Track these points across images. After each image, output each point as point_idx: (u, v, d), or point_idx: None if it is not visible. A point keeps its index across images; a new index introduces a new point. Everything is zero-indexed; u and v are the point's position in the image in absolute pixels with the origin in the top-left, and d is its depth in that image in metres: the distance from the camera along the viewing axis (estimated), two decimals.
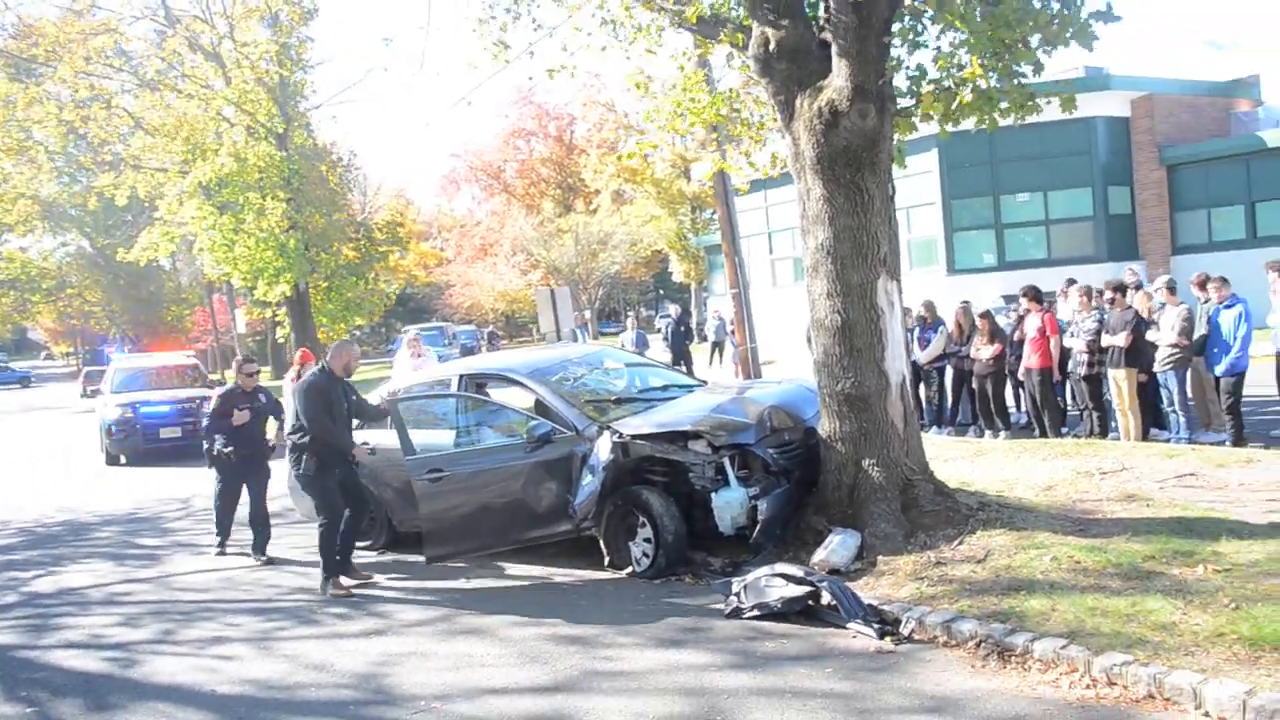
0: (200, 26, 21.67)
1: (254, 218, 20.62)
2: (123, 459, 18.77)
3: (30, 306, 58.72)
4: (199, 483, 15.21)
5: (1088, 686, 5.08)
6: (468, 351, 43.11)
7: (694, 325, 38.51)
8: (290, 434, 8.52)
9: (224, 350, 54.27)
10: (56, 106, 22.96)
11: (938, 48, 7.75)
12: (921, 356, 13.26)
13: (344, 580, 8.37)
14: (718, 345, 25.87)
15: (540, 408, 9.10)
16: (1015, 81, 7.20)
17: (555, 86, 75.07)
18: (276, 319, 23.72)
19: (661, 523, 7.80)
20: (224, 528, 10.11)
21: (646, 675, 5.86)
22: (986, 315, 12.56)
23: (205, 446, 10.07)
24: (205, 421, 10.25)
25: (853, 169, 7.59)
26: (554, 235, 48.97)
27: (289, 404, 10.86)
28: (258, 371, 10.49)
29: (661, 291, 68.98)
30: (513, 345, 50.44)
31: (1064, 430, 12.02)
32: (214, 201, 21.39)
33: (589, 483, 7.93)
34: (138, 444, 18.62)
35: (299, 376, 11.91)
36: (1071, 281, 13.08)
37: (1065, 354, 11.78)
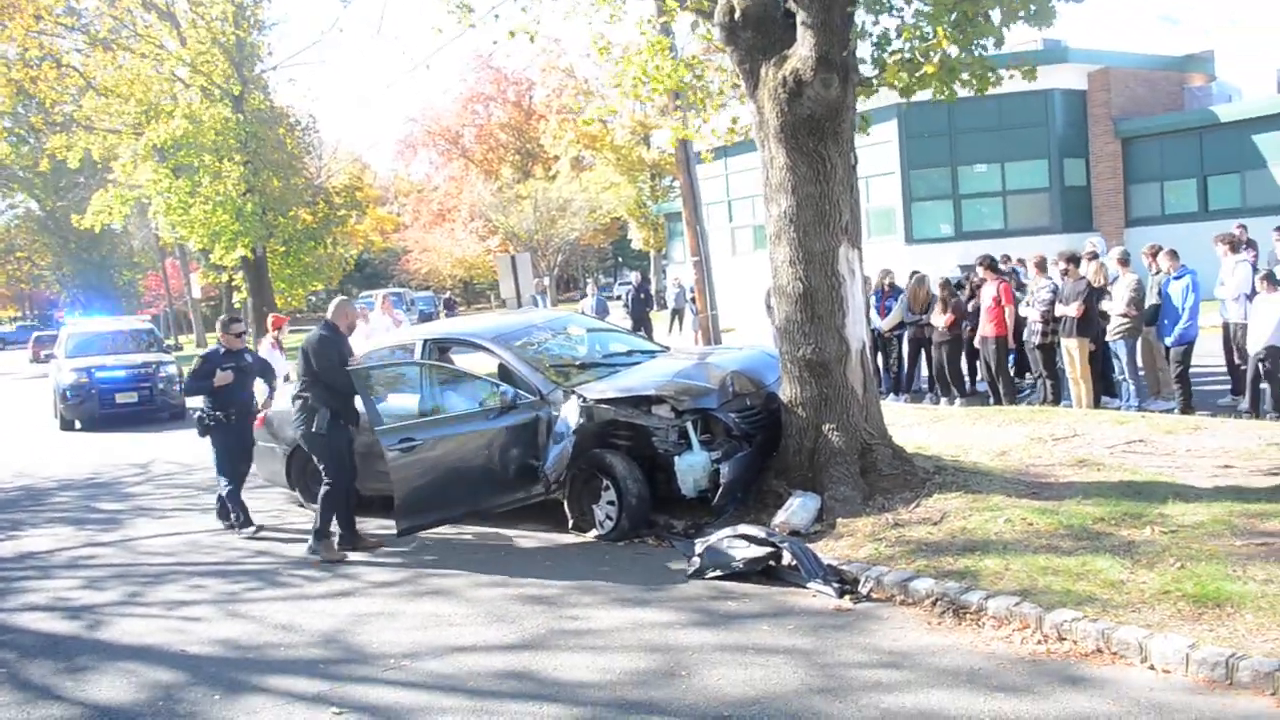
0: None
1: (210, 181, 20.35)
2: (77, 424, 18.55)
3: None
4: (156, 448, 15.17)
5: (1039, 642, 5.27)
6: (425, 318, 42.96)
7: (654, 293, 38.56)
8: (298, 394, 8.32)
9: (178, 315, 53.72)
10: (5, 65, 22.48)
11: (901, 18, 7.85)
12: (882, 324, 13.47)
13: (350, 554, 8.26)
14: (677, 313, 25.99)
15: (504, 373, 9.15)
16: (976, 54, 7.30)
17: (514, 50, 74.36)
18: (233, 284, 23.40)
19: (625, 486, 7.91)
20: (238, 502, 9.33)
21: (612, 633, 5.99)
22: (945, 284, 12.75)
23: (196, 415, 9.37)
24: (183, 383, 9.89)
25: (816, 138, 7.69)
26: (512, 201, 48.67)
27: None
28: (245, 331, 10.13)
29: (620, 259, 68.98)
30: (470, 312, 50.28)
31: (1020, 396, 12.29)
32: (169, 164, 21.06)
33: (559, 446, 8.01)
34: (93, 409, 18.40)
35: (277, 343, 11.88)
36: (1006, 258, 13.39)
37: (1021, 323, 12.02)
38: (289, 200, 21.95)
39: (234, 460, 9.36)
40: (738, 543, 6.89)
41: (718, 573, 6.81)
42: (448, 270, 57.08)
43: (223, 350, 9.34)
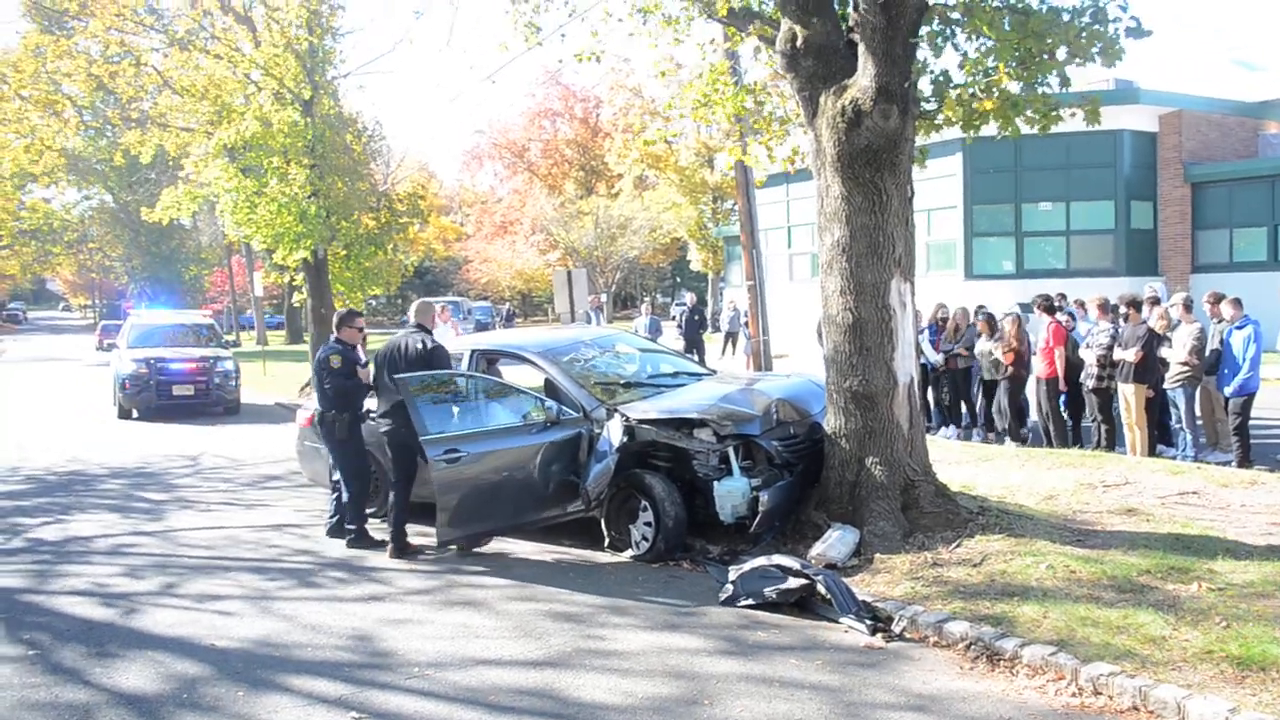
0: None
1: (277, 182, 20.68)
2: (134, 414, 18.95)
3: (51, 258, 59.09)
4: (208, 441, 15.43)
5: (1074, 695, 5.13)
6: (482, 328, 43.30)
7: (709, 315, 38.51)
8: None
9: (240, 312, 54.63)
10: (86, 60, 23.05)
11: (964, 53, 7.76)
12: (936, 358, 13.32)
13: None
14: (731, 336, 25.91)
15: (550, 387, 9.16)
16: (1040, 91, 7.20)
17: (583, 69, 74.98)
18: (294, 284, 23.74)
19: (663, 507, 7.87)
20: (361, 511, 8.87)
21: (637, 656, 5.93)
22: (990, 318, 12.56)
23: (325, 417, 8.77)
24: (327, 385, 8.70)
25: (872, 168, 7.63)
26: (574, 217, 49.02)
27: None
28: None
29: (679, 279, 68.96)
30: (528, 324, 50.59)
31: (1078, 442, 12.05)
32: (238, 164, 21.46)
33: (600, 464, 7.99)
34: (150, 399, 18.80)
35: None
36: (1061, 296, 13.08)
37: (1077, 366, 11.79)
38: (352, 205, 22.20)
39: (361, 462, 9.01)
40: (772, 572, 6.82)
41: (750, 601, 6.74)
42: (507, 281, 57.53)
43: (352, 346, 9.06)
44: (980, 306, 13.41)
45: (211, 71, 21.46)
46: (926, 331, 13.65)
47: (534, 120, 62.49)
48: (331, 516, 9.11)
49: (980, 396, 13.11)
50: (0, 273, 64.48)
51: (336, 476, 9.03)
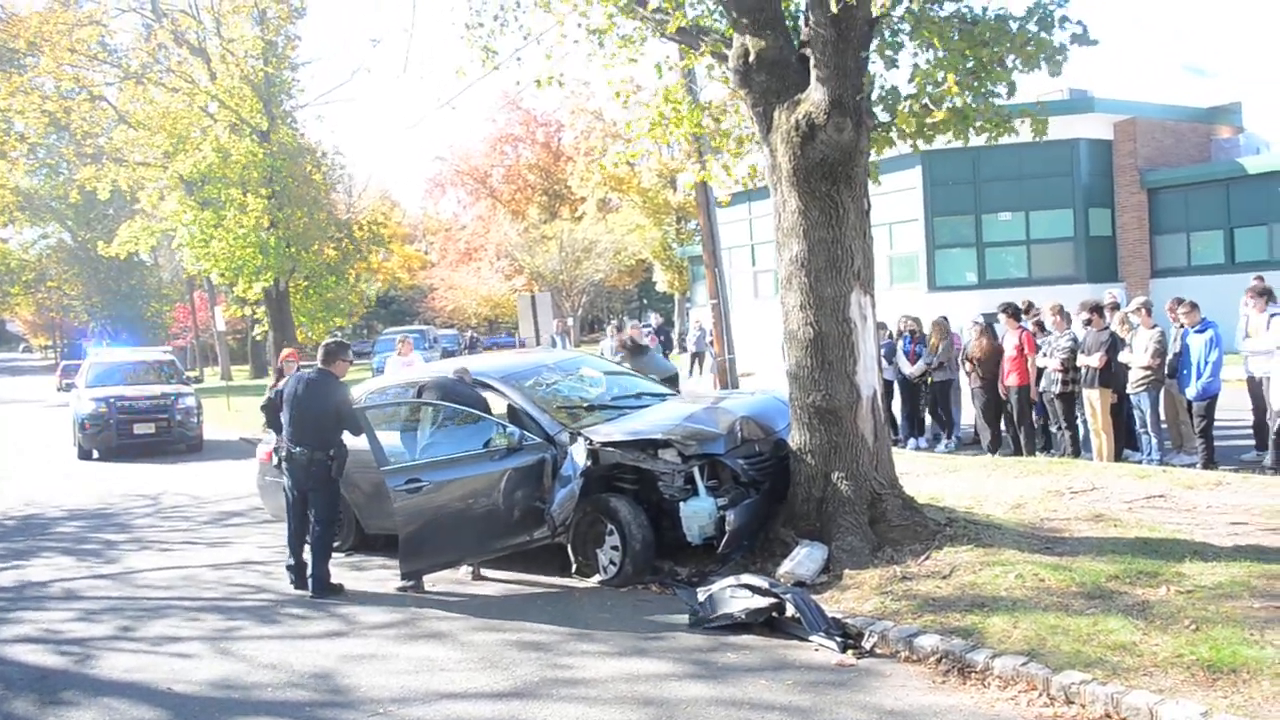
0: (187, 21, 21.56)
1: (234, 214, 20.49)
2: (95, 454, 18.64)
3: (9, 298, 58.28)
4: (169, 479, 15.17)
5: (1046, 704, 5.08)
6: (449, 355, 43.05)
7: (676, 335, 38.47)
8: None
9: (205, 347, 54.08)
10: (40, 97, 22.83)
11: (915, 64, 7.77)
12: (911, 370, 13.33)
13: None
14: (698, 356, 25.85)
15: (513, 413, 9.05)
16: (990, 101, 7.21)
17: (544, 93, 75.06)
18: (255, 317, 23.52)
19: (629, 531, 7.78)
20: (328, 553, 8.37)
21: (605, 683, 5.83)
22: (988, 327, 12.60)
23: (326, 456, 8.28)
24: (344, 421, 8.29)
25: (828, 182, 7.61)
26: (539, 241, 48.94)
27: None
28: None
29: (645, 301, 68.97)
30: (493, 350, 50.39)
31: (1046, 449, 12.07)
32: (196, 197, 21.25)
33: (565, 489, 7.89)
34: (110, 439, 18.51)
35: (280, 376, 11.38)
36: (1029, 304, 13.09)
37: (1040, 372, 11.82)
38: (312, 235, 22.05)
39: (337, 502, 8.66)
40: (740, 592, 6.74)
41: (719, 623, 6.65)
42: (473, 308, 57.29)
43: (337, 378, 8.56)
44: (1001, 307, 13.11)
45: (167, 105, 21.29)
46: (901, 343, 13.68)
47: (495, 146, 62.48)
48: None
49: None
50: None
51: (293, 524, 8.42)
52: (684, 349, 31.07)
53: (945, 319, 13.51)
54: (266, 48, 21.19)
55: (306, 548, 8.29)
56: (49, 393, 39.79)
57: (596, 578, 8.00)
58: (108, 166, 23.60)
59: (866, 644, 6.14)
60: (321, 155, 25.47)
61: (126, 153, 23.53)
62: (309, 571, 8.21)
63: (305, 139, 24.01)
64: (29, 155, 36.29)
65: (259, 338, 27.06)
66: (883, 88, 7.99)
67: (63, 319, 68.36)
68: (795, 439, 8.08)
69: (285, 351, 12.01)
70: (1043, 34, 6.79)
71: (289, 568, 8.35)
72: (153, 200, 22.60)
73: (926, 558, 7.29)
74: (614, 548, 7.91)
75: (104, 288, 49.77)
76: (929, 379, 13.33)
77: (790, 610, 6.49)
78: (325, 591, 8.13)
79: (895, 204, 22.56)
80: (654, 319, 23.71)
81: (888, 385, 13.48)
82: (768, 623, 6.54)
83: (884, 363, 13.35)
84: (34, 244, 52.51)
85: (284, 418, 8.42)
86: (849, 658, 5.99)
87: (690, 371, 26.00)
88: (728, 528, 7.65)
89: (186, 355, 51.50)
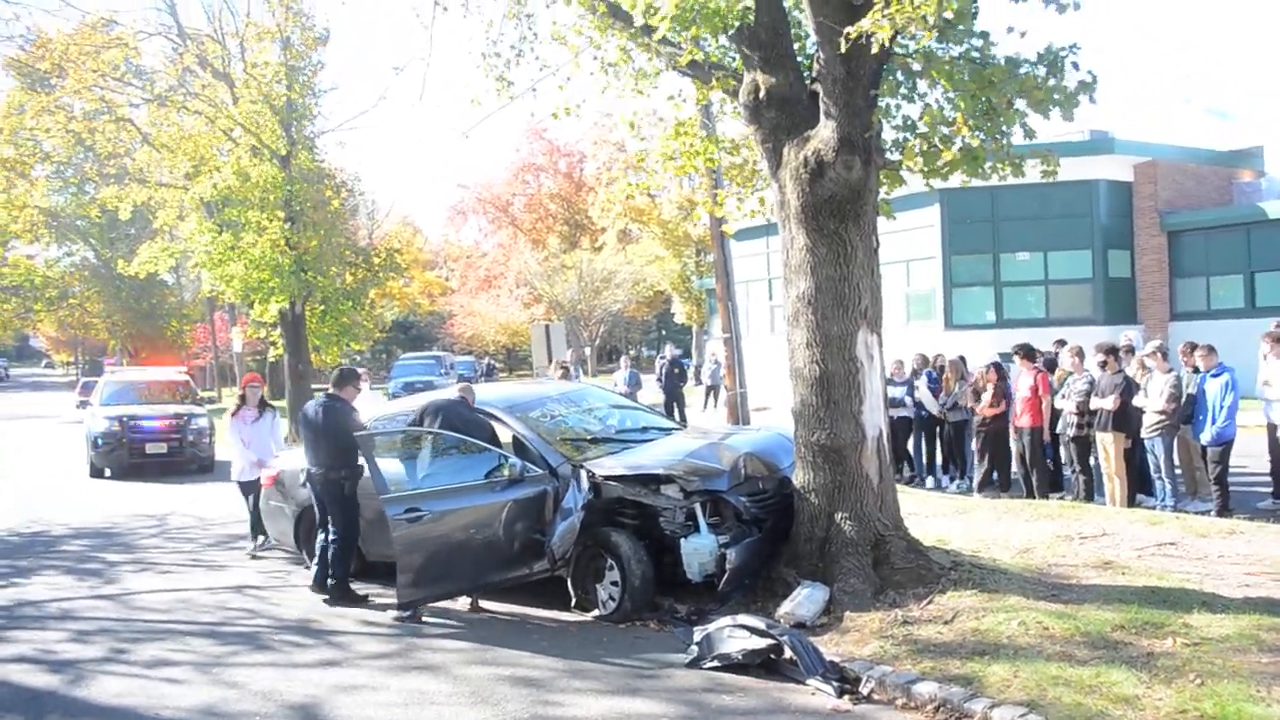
0: (213, 46, 21.79)
1: (252, 236, 20.60)
2: (107, 472, 18.69)
3: (32, 315, 58.70)
4: (179, 500, 15.17)
5: None
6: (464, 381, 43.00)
7: (693, 368, 38.38)
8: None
9: (223, 368, 54.27)
10: (66, 117, 23.09)
11: (925, 103, 7.74)
12: (935, 407, 13.25)
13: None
14: (713, 389, 25.79)
15: (517, 443, 9.00)
16: (1002, 141, 7.15)
17: (566, 124, 75.47)
18: (270, 340, 23.59)
19: (629, 566, 7.70)
20: (349, 564, 8.89)
21: None
22: (997, 369, 12.49)
23: (340, 477, 8.76)
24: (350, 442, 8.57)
25: (837, 219, 7.56)
26: (558, 271, 49.09)
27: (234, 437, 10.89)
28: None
29: (664, 332, 69.01)
30: (511, 378, 50.44)
31: (1059, 493, 11.94)
32: (216, 220, 21.40)
33: (566, 522, 7.82)
34: (123, 457, 18.57)
35: (243, 400, 11.25)
36: (1061, 342, 13.01)
37: (1056, 414, 11.70)
38: (328, 259, 22.13)
39: (357, 514, 8.89)
40: (738, 632, 6.64)
41: (715, 663, 6.55)
42: (491, 336, 57.37)
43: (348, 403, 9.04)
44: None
45: (191, 127, 21.48)
46: (925, 379, 13.60)
47: (518, 175, 62.80)
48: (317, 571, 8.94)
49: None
50: None
51: (324, 536, 8.84)
52: (699, 381, 31.00)
53: (962, 358, 13.45)
54: (290, 73, 21.32)
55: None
56: (67, 409, 40.03)
57: (595, 613, 7.91)
58: (130, 186, 23.80)
59: (864, 689, 6.03)
60: (341, 182, 25.62)
61: (149, 173, 23.74)
62: (327, 578, 8.71)
63: (326, 164, 24.14)
64: (55, 174, 36.83)
65: (274, 359, 27.10)
66: (895, 127, 7.96)
67: (84, 336, 68.86)
68: (799, 477, 7.99)
69: (247, 375, 11.89)
70: (1051, 79, 6.74)
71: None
72: (171, 220, 22.80)
73: (929, 602, 7.17)
74: (613, 583, 7.83)
75: (125, 306, 50.06)
76: (945, 419, 13.25)
77: (788, 652, 6.38)
78: (342, 599, 8.57)
79: (912, 241, 22.52)
80: (668, 350, 23.61)
81: (906, 422, 13.57)
82: (765, 664, 6.44)
83: (907, 400, 13.44)
84: (58, 261, 52.87)
85: (302, 440, 9.05)
86: (845, 703, 5.89)
87: (705, 404, 25.93)
88: (728, 566, 7.56)
89: (205, 375, 51.69)
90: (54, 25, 28.51)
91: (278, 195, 20.53)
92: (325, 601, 8.61)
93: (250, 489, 10.79)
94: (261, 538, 10.72)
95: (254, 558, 10.55)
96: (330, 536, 8.77)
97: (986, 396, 12.28)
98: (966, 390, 12.68)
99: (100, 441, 18.53)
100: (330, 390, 9.12)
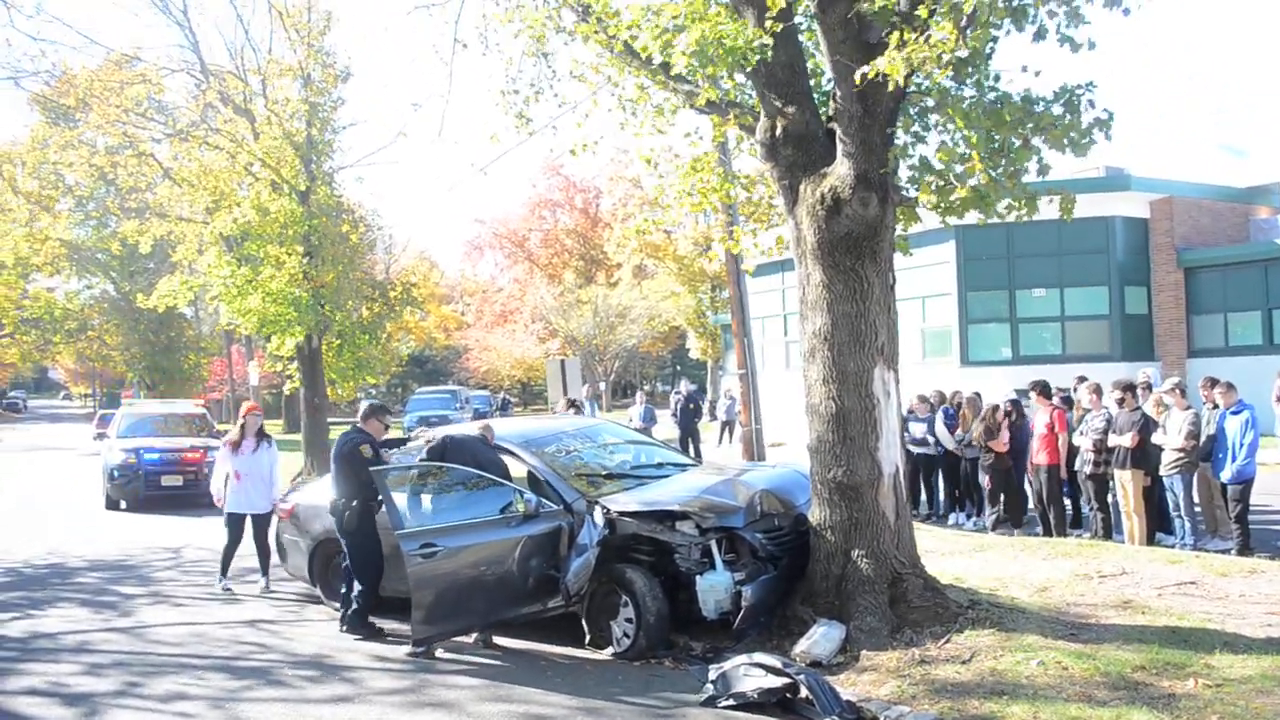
0: (234, 83, 22.03)
1: (270, 270, 20.73)
2: (123, 504, 18.72)
3: (52, 346, 59.13)
4: (193, 533, 15.17)
5: None
6: (479, 416, 43.15)
7: (708, 403, 38.33)
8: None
9: (239, 401, 54.51)
10: (89, 151, 23.35)
11: (941, 140, 7.76)
12: (951, 443, 13.20)
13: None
14: (728, 424, 25.76)
15: (532, 479, 8.99)
16: (1017, 180, 7.16)
17: (582, 160, 76.03)
18: (287, 373, 23.67)
19: (644, 603, 7.66)
20: (372, 599, 8.84)
21: None
22: (1015, 407, 12.46)
23: (358, 507, 8.72)
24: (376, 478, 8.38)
25: (853, 256, 7.58)
26: (574, 306, 49.23)
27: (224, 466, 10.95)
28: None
29: (679, 367, 69.03)
30: (526, 413, 50.46)
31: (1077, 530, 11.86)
32: (235, 254, 21.56)
33: (581, 558, 7.79)
34: (139, 490, 18.60)
35: (243, 430, 11.16)
36: (1082, 378, 12.96)
37: (1074, 451, 11.64)
38: (345, 293, 22.24)
39: (378, 557, 8.79)
40: (754, 671, 6.59)
41: (731, 702, 6.50)
42: (506, 370, 57.48)
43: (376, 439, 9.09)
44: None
45: (212, 162, 21.69)
46: (941, 415, 13.57)
47: (534, 210, 63.17)
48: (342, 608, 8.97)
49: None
50: (0, 361, 64.50)
51: (346, 563, 8.91)
52: (714, 417, 30.97)
53: (978, 395, 13.40)
54: (311, 109, 21.53)
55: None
56: (85, 441, 40.17)
57: (610, 650, 7.86)
58: (151, 221, 24.01)
59: None
60: (359, 217, 25.79)
61: (169, 207, 23.95)
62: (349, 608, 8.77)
63: (345, 199, 24.31)
64: (77, 208, 37.21)
65: (289, 393, 27.19)
66: (911, 165, 7.98)
67: (103, 368, 69.29)
68: (815, 514, 7.96)
69: (247, 405, 11.79)
70: (1069, 117, 6.76)
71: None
72: (190, 254, 23.01)
73: (947, 641, 7.12)
74: (628, 620, 7.79)
75: (143, 339, 50.41)
76: (963, 455, 13.21)
77: (803, 692, 6.33)
78: (355, 628, 8.64)
79: (929, 277, 22.54)
80: (683, 386, 23.61)
81: (929, 460, 13.55)
82: (781, 703, 6.38)
83: (929, 437, 13.42)
84: (78, 294, 53.32)
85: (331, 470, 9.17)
86: None
87: (720, 440, 25.88)
88: (744, 603, 7.53)
89: (222, 407, 51.88)
90: (79, 61, 29.02)
91: (297, 230, 20.66)
92: (342, 630, 8.68)
93: (237, 522, 10.80)
94: (264, 580, 10.71)
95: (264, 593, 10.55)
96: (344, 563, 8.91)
97: (1004, 435, 12.23)
98: (977, 427, 12.62)
99: (116, 474, 18.58)
100: (357, 423, 9.24)
